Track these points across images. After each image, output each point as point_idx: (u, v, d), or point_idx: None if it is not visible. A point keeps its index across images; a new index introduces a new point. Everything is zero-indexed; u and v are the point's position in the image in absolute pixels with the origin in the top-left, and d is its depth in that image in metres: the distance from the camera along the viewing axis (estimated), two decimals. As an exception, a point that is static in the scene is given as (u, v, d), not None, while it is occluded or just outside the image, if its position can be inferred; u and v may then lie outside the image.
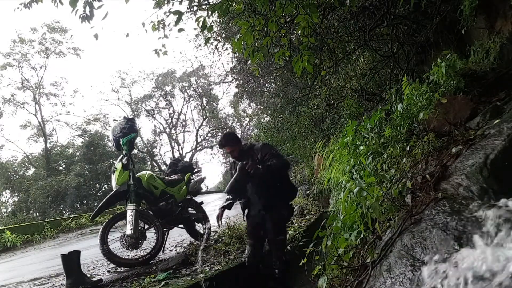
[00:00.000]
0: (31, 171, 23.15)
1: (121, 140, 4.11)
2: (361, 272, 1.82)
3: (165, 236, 4.31)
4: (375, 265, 1.66)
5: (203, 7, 5.58)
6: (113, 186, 4.16)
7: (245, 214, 3.49)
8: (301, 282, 3.08)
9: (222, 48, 9.18)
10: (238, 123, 29.84)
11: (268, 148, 3.18)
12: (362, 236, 2.07)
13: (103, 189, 22.37)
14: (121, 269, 3.92)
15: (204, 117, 29.54)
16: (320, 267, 2.16)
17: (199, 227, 5.01)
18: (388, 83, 5.06)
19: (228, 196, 3.47)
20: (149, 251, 4.05)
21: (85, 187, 21.20)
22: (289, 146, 9.51)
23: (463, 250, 1.23)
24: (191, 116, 33.18)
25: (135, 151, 22.30)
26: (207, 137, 30.24)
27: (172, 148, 29.68)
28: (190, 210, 4.94)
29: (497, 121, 2.01)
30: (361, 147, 2.94)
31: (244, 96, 12.20)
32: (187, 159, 27.38)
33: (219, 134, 29.69)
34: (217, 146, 3.41)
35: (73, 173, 20.70)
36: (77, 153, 24.09)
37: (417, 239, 1.51)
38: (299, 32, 3.51)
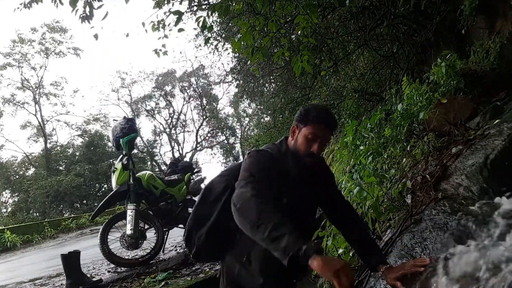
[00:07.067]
0: (31, 171, 23.16)
1: (121, 140, 4.11)
2: (361, 272, 1.82)
3: (165, 236, 4.30)
4: (375, 265, 1.66)
5: (203, 7, 5.58)
6: (113, 186, 4.16)
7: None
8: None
9: (222, 48, 9.19)
10: (238, 123, 29.86)
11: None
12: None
13: (103, 189, 22.37)
14: (121, 269, 3.92)
15: (204, 117, 29.53)
16: (320, 267, 2.16)
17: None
18: (388, 83, 5.06)
19: None
20: (149, 251, 4.04)
21: (85, 187, 21.21)
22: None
23: (464, 249, 1.23)
24: (191, 116, 33.13)
25: (135, 151, 22.29)
26: (207, 137, 30.25)
27: (172, 148, 29.66)
28: (190, 210, 4.92)
29: (497, 121, 2.01)
30: (361, 147, 2.94)
31: (244, 96, 12.19)
32: (187, 159, 27.33)
33: (219, 134, 29.71)
34: (316, 121, 1.32)
35: (73, 173, 20.69)
36: (77, 153, 24.06)
37: (417, 239, 1.51)
38: (299, 32, 3.51)
